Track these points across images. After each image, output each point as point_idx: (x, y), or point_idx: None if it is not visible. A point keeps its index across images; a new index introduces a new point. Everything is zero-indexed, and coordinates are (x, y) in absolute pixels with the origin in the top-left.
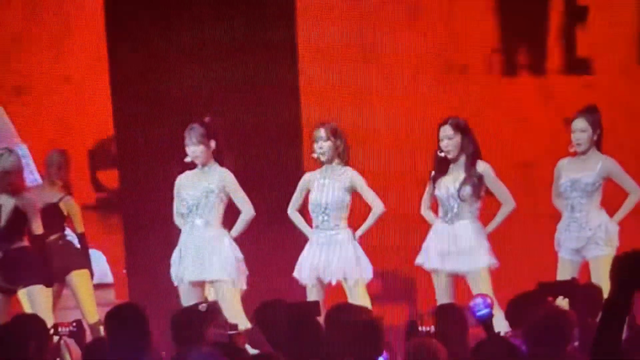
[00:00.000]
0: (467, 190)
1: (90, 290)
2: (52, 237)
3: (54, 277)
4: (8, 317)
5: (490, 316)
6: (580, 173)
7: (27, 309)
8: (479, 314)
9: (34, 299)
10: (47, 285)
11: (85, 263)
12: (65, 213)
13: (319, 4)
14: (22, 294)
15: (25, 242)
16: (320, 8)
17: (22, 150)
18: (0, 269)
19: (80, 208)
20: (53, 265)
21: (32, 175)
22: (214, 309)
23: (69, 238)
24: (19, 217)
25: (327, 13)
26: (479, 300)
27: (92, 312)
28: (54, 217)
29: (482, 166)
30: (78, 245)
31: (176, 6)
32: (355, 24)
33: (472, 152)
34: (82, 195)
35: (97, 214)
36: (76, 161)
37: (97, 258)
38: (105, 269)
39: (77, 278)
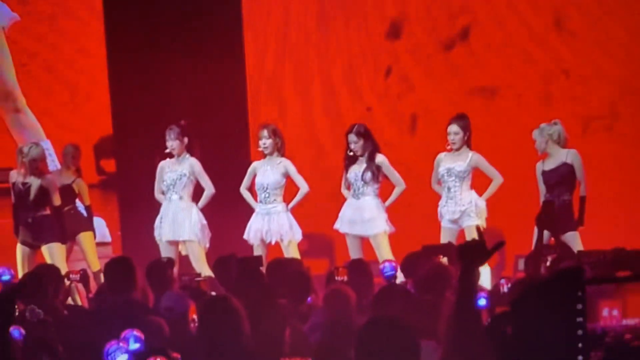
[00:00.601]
0: (368, 175)
1: (94, 247)
2: (66, 208)
3: (68, 237)
4: (33, 266)
5: (394, 276)
6: (454, 163)
7: (48, 260)
8: (387, 274)
9: (53, 253)
10: (63, 243)
11: (90, 227)
12: (77, 191)
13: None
14: (44, 249)
15: (47, 211)
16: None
17: (47, 144)
18: (29, 230)
19: (87, 187)
20: (67, 228)
21: (53, 163)
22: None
23: (79, 209)
24: (43, 193)
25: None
26: (387, 264)
27: (95, 263)
28: (68, 193)
29: (379, 158)
30: (85, 214)
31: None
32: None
33: (371, 150)
34: (89, 177)
35: (100, 190)
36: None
37: (99, 223)
38: (105, 231)
39: (84, 238)
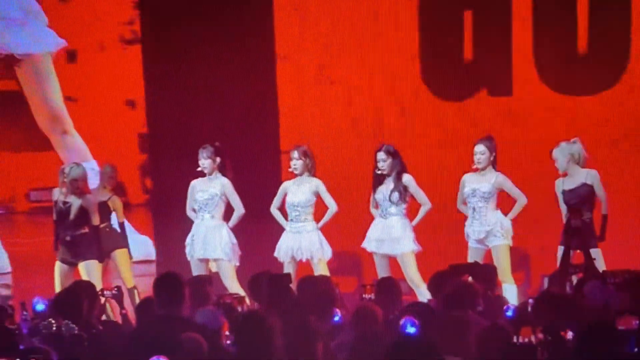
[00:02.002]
0: (396, 195)
1: (129, 264)
2: (102, 225)
3: (104, 255)
4: (70, 283)
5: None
6: (479, 184)
7: (84, 277)
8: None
9: (90, 270)
10: (100, 261)
11: (125, 244)
12: (112, 208)
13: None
14: (81, 266)
15: (86, 230)
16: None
17: (93, 164)
18: (68, 248)
19: (122, 204)
20: (102, 246)
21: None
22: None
23: (114, 226)
24: (82, 213)
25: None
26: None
27: (130, 280)
28: (104, 210)
29: (406, 178)
30: (119, 231)
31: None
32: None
33: (398, 170)
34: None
35: (144, 209)
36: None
37: (145, 241)
38: (150, 249)
39: (119, 255)
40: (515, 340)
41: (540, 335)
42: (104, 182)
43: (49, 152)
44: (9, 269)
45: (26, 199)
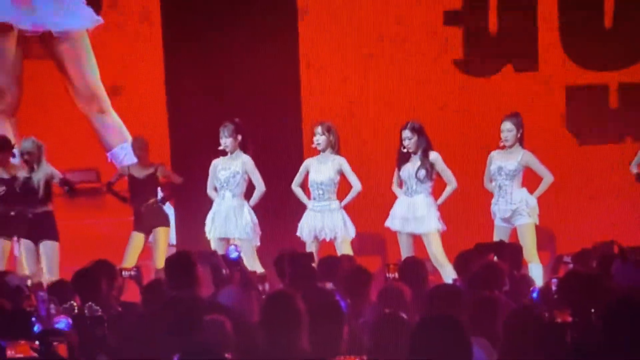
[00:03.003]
0: (422, 173)
1: (166, 245)
2: (151, 201)
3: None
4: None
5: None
6: (505, 162)
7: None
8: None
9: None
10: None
11: (168, 222)
12: (161, 179)
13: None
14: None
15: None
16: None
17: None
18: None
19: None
20: (145, 222)
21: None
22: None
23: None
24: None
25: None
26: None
27: (162, 261)
28: (150, 185)
29: (433, 156)
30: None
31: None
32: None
33: (425, 147)
34: None
35: None
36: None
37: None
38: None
39: (160, 233)
40: (547, 320)
41: (569, 317)
42: (142, 156)
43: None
44: None
45: None
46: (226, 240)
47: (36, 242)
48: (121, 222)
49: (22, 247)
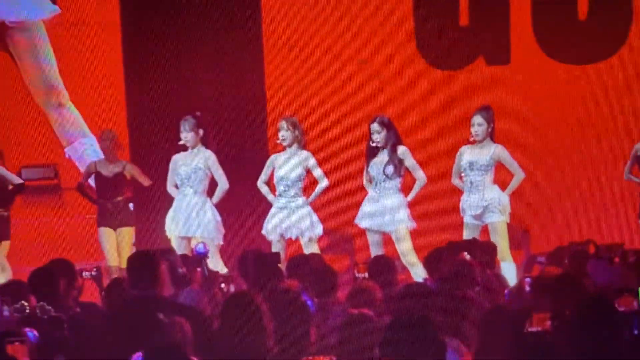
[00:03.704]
0: (390, 169)
1: (131, 245)
2: (118, 199)
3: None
4: None
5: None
6: (477, 157)
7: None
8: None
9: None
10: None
11: (133, 222)
12: (129, 177)
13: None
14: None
15: None
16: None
17: (92, 140)
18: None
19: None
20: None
21: (98, 158)
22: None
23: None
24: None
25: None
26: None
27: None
28: (118, 183)
29: (401, 150)
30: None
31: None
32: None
33: (393, 142)
34: None
35: None
36: None
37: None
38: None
39: (125, 233)
40: (528, 328)
41: (549, 322)
42: (110, 151)
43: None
44: None
45: None
46: (187, 239)
47: None
48: (81, 220)
49: None
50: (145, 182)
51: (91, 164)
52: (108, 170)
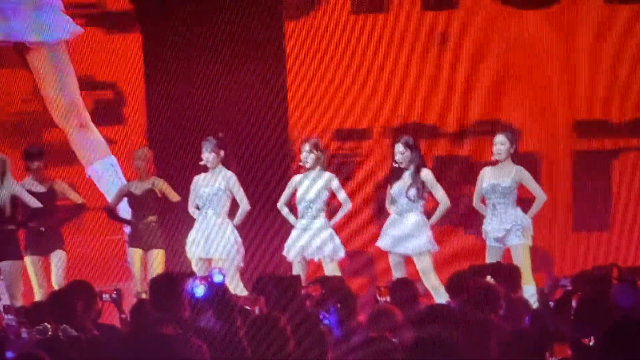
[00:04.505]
0: (413, 192)
1: (162, 268)
2: (149, 219)
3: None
4: None
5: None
6: (498, 179)
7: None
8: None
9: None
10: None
11: (163, 244)
12: (159, 193)
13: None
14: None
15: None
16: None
17: (112, 160)
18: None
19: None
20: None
21: (119, 180)
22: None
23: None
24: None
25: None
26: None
27: None
28: (149, 201)
29: (424, 173)
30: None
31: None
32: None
33: (417, 164)
34: None
35: None
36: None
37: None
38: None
39: (156, 255)
40: (549, 358)
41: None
42: (144, 170)
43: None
44: None
45: None
46: (208, 261)
47: None
48: (103, 242)
49: None
50: (174, 197)
51: (123, 186)
52: (139, 189)
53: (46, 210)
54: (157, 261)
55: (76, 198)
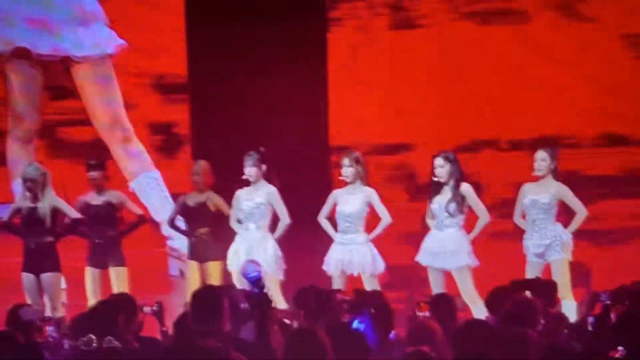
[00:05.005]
0: (452, 206)
1: (220, 280)
2: (202, 231)
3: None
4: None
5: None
6: (539, 195)
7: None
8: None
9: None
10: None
11: (221, 255)
12: (212, 208)
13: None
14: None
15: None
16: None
17: (156, 174)
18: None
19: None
20: (198, 255)
21: (162, 193)
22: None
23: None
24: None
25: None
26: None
27: None
28: (202, 214)
29: (464, 187)
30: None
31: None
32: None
33: (457, 178)
34: None
35: None
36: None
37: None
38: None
39: (212, 267)
40: None
41: None
42: (201, 181)
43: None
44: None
45: None
46: None
47: (37, 274)
48: (145, 254)
49: (24, 280)
50: (227, 210)
51: (181, 198)
52: (193, 201)
53: (104, 222)
54: (214, 273)
55: (135, 210)
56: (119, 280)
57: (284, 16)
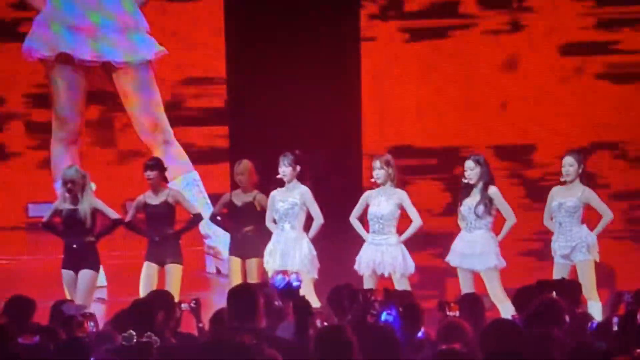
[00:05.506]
0: (481, 209)
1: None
2: (247, 229)
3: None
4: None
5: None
6: (566, 198)
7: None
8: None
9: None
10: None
11: (261, 252)
12: (259, 208)
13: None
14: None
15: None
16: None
17: (195, 174)
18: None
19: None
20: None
21: (201, 194)
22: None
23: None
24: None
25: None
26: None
27: None
28: (248, 213)
29: (492, 190)
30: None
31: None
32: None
33: (485, 181)
34: None
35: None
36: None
37: None
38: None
39: (253, 264)
40: None
41: None
42: (246, 183)
43: None
44: (105, 283)
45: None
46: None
47: (76, 272)
48: (190, 252)
49: (64, 276)
50: None
51: (226, 195)
52: (240, 200)
53: (162, 221)
54: (254, 270)
55: (191, 209)
56: (173, 277)
57: (317, 30)
